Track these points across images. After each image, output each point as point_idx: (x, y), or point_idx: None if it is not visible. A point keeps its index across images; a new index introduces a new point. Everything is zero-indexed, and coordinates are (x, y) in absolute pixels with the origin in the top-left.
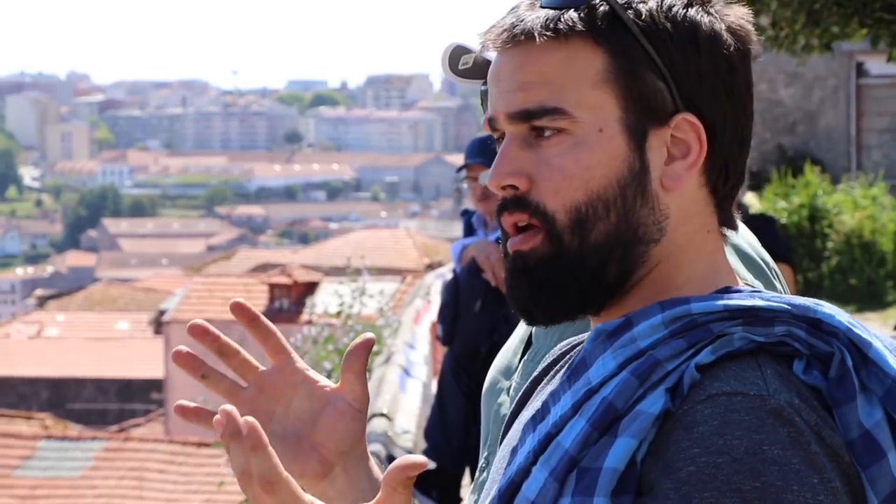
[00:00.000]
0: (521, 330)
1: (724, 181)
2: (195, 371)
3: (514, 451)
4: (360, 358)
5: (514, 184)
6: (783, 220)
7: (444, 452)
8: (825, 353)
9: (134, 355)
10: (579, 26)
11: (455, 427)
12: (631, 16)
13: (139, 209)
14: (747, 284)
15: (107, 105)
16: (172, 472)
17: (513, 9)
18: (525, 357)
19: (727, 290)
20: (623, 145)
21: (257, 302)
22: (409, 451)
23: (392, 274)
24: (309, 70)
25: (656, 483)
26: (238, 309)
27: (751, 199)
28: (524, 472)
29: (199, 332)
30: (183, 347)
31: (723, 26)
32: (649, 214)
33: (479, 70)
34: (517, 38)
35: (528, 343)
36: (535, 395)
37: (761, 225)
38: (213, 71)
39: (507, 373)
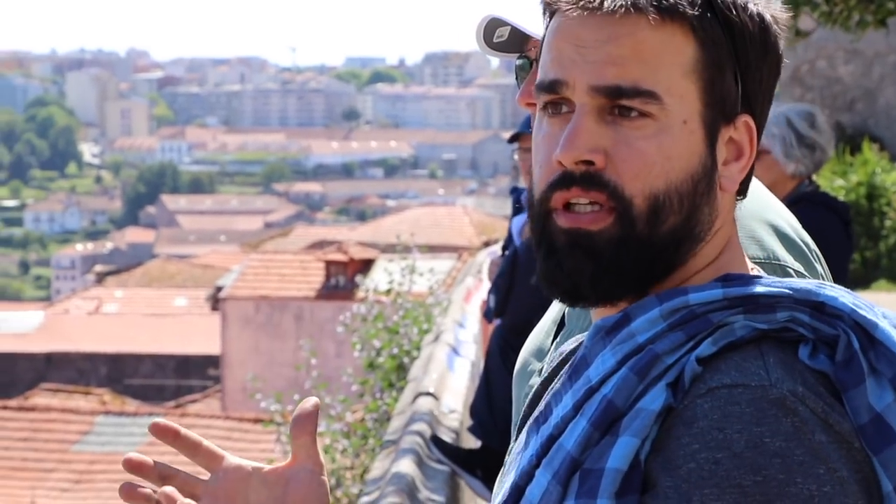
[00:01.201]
0: (554, 311)
1: (749, 177)
2: (151, 478)
3: (518, 455)
4: (311, 422)
5: (593, 159)
6: (840, 199)
7: (490, 430)
8: (831, 336)
9: (191, 331)
10: (686, 10)
11: (501, 405)
12: (723, 7)
13: (197, 186)
14: (781, 268)
15: (166, 82)
16: (228, 448)
17: None
18: (557, 339)
19: (727, 278)
20: (701, 141)
21: (313, 279)
22: (456, 431)
23: (448, 251)
24: (367, 47)
25: (657, 481)
26: (159, 430)
27: None
28: (528, 476)
29: (135, 467)
30: (128, 482)
31: (778, 29)
32: (709, 213)
33: (514, 43)
34: (621, 6)
35: (561, 325)
36: (543, 396)
37: (801, 203)
38: (271, 48)
39: (539, 355)
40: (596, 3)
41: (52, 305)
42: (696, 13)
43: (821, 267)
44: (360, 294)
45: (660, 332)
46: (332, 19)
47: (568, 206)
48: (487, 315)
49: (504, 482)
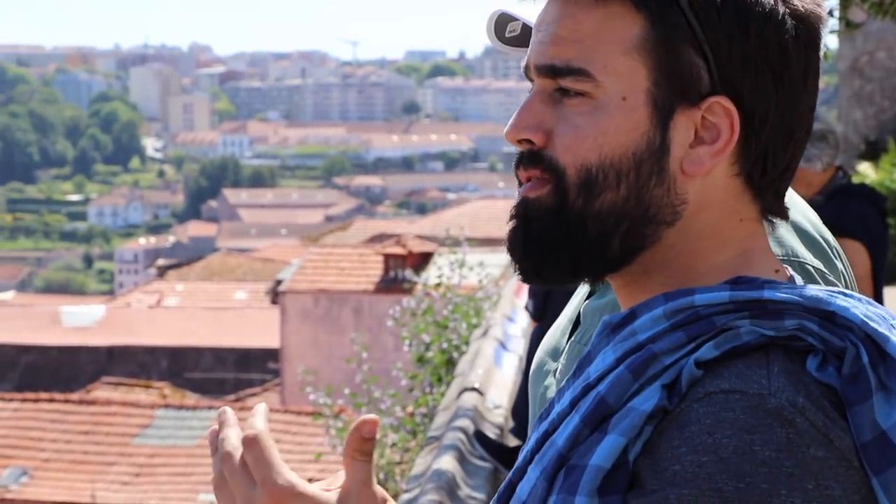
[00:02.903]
0: (570, 309)
1: (760, 173)
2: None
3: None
4: (369, 444)
5: (530, 138)
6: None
7: None
8: (839, 348)
9: (251, 325)
10: None
11: None
12: None
13: (259, 179)
14: (798, 266)
15: (227, 76)
16: (287, 442)
17: None
18: (572, 338)
19: (737, 281)
20: (645, 118)
21: (372, 272)
22: (500, 427)
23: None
24: (427, 40)
25: (644, 482)
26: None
27: (867, 170)
28: (520, 472)
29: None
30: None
31: (785, 10)
32: (664, 196)
33: (525, 38)
34: None
35: (577, 324)
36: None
37: (839, 195)
38: (332, 42)
39: (555, 354)
40: None
41: (114, 299)
42: None
43: (841, 264)
44: (419, 288)
45: (661, 331)
46: (392, 13)
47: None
48: (531, 314)
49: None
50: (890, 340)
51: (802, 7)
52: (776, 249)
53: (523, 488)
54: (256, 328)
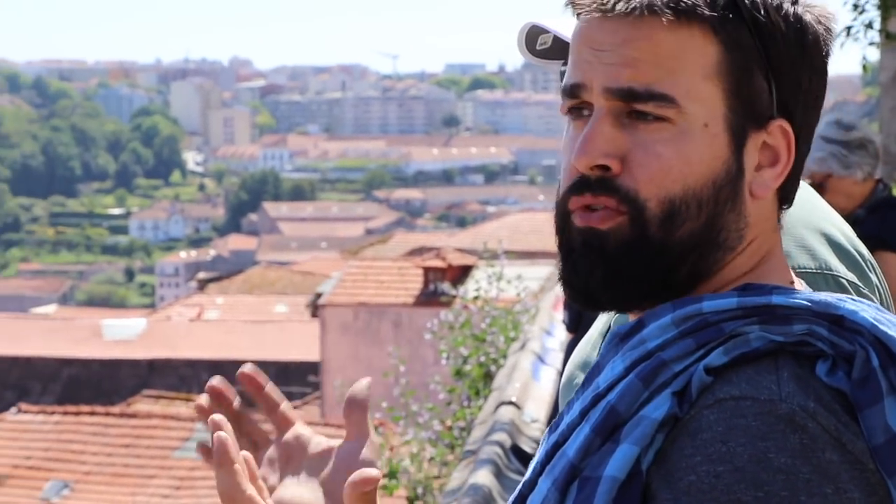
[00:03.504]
0: (601, 322)
1: (792, 186)
2: (224, 410)
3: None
4: (363, 401)
5: (608, 164)
6: None
7: None
8: (849, 352)
9: (291, 338)
10: (704, 11)
11: None
12: (750, 7)
13: (299, 193)
14: (830, 277)
15: (268, 90)
16: None
17: None
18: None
19: (745, 288)
20: (725, 145)
21: (412, 285)
22: (537, 441)
23: (548, 258)
24: (467, 54)
25: (657, 493)
26: (246, 378)
27: None
28: (530, 485)
29: (215, 395)
30: (204, 400)
31: (822, 29)
32: (735, 221)
33: (557, 51)
34: (634, 10)
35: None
36: None
37: (881, 208)
38: (371, 55)
39: (585, 367)
40: (609, 5)
41: (155, 312)
42: (718, 14)
43: (876, 277)
44: (457, 301)
45: (670, 339)
46: (432, 27)
47: (586, 208)
48: (566, 326)
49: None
50: None
51: (827, 23)
52: (809, 262)
53: (534, 500)
54: (296, 341)
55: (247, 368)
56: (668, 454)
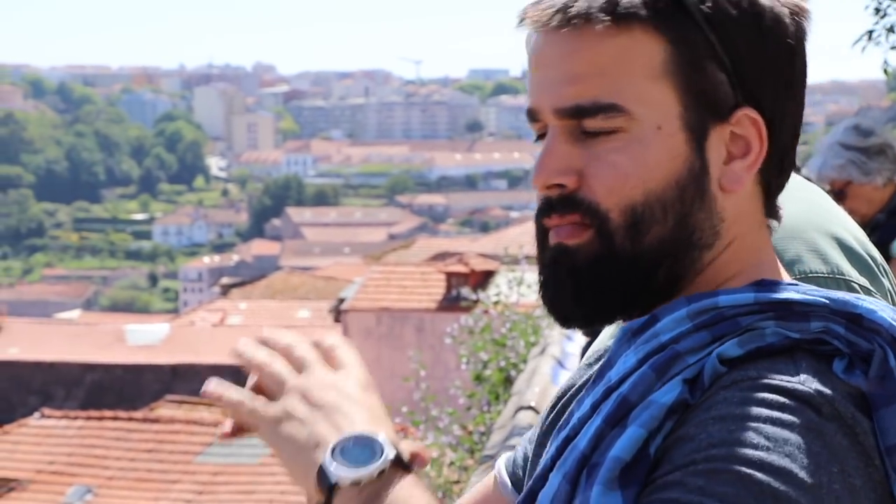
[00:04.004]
0: (613, 326)
1: (777, 176)
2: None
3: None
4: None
5: (563, 182)
6: None
7: None
8: (866, 351)
9: None
10: (641, 11)
11: None
12: (695, 1)
13: (322, 198)
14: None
15: (291, 95)
16: None
17: None
18: None
19: (761, 283)
20: (683, 144)
21: (434, 290)
22: None
23: None
24: (490, 59)
25: (665, 457)
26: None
27: None
28: (542, 480)
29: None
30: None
31: (785, 10)
32: (706, 218)
33: None
34: (571, 21)
35: None
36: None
37: None
38: (395, 61)
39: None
40: (546, 20)
41: (178, 318)
42: (659, 12)
43: (888, 282)
44: (481, 305)
45: (685, 331)
46: (455, 32)
47: (557, 226)
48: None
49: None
50: None
51: (794, 3)
52: (821, 267)
53: (546, 494)
54: None
55: (210, 386)
56: (679, 430)
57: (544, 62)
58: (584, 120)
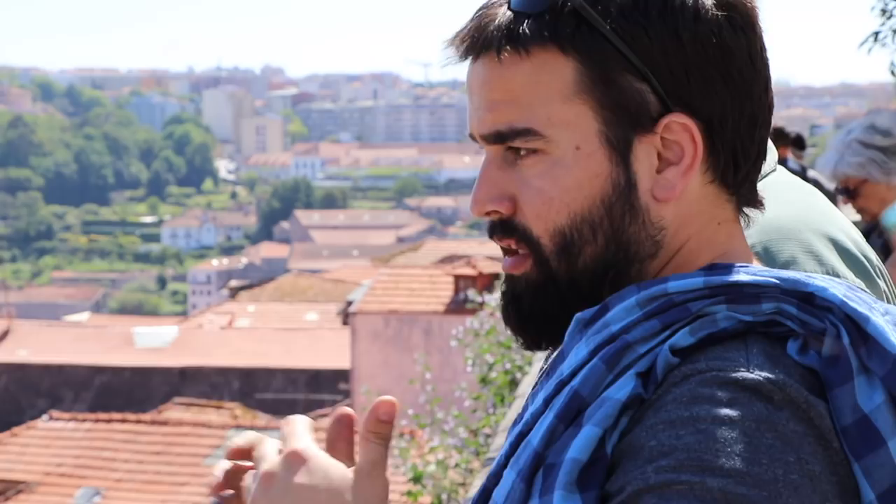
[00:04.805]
0: None
1: (733, 171)
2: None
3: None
4: (347, 428)
5: (497, 209)
6: None
7: None
8: (819, 330)
9: (322, 346)
10: (542, 34)
11: None
12: (597, 15)
13: (330, 201)
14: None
15: (300, 98)
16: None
17: (480, 8)
18: None
19: (711, 267)
20: (604, 161)
21: (442, 293)
22: None
23: None
24: None
25: (620, 465)
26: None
27: None
28: (495, 477)
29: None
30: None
31: (708, 3)
32: (640, 230)
33: None
34: (479, 52)
35: None
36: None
37: None
38: (403, 64)
39: None
40: (461, 51)
41: (187, 320)
42: (561, 34)
43: (884, 283)
44: (487, 308)
45: (635, 320)
46: None
47: (504, 252)
48: None
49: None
50: (870, 320)
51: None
52: (816, 268)
53: (499, 492)
54: (327, 349)
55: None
56: (634, 432)
57: (470, 90)
58: (506, 143)
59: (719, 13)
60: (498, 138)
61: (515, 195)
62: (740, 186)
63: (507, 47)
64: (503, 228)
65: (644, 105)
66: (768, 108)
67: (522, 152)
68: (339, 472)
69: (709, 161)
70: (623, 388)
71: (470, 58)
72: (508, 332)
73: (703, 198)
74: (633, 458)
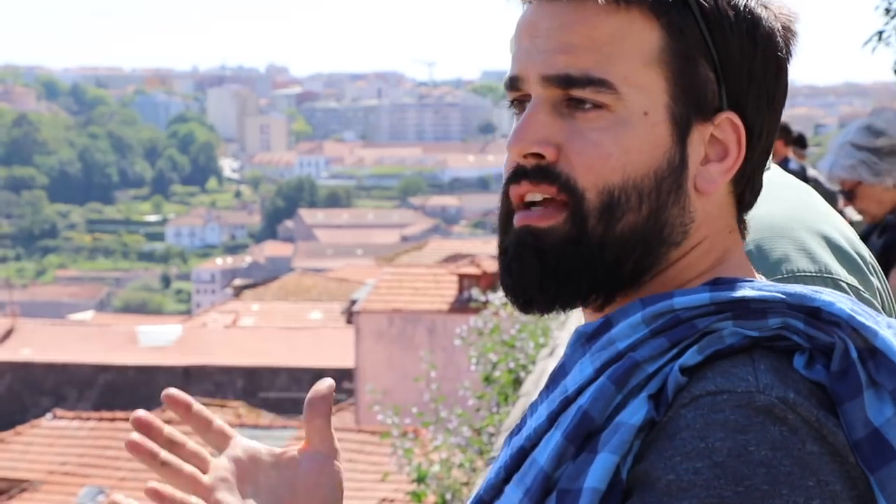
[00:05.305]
0: None
1: (750, 190)
2: (152, 461)
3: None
4: (325, 404)
5: (542, 152)
6: None
7: None
8: (827, 344)
9: (326, 345)
10: None
11: None
12: None
13: (335, 200)
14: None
15: (304, 97)
16: (362, 462)
17: None
18: None
19: (716, 282)
20: (666, 135)
21: (446, 292)
22: None
23: None
24: (504, 61)
25: (637, 495)
26: (171, 400)
27: None
28: (494, 490)
29: (143, 426)
30: (135, 437)
31: (778, 25)
32: (679, 215)
33: None
34: None
35: None
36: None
37: None
38: (407, 63)
39: None
40: None
41: (191, 319)
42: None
43: (878, 281)
44: (490, 307)
45: (641, 338)
46: (468, 34)
47: (526, 206)
48: None
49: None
50: (878, 335)
51: (787, 21)
52: (809, 266)
53: None
54: (331, 348)
55: (171, 391)
56: (647, 457)
57: (536, 32)
58: (572, 90)
59: (782, 37)
60: (565, 82)
61: (562, 144)
62: (747, 208)
63: None
64: (543, 174)
65: (709, 94)
66: (773, 142)
67: (587, 105)
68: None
69: (738, 171)
70: (637, 413)
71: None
72: (507, 292)
73: (725, 204)
74: (653, 492)
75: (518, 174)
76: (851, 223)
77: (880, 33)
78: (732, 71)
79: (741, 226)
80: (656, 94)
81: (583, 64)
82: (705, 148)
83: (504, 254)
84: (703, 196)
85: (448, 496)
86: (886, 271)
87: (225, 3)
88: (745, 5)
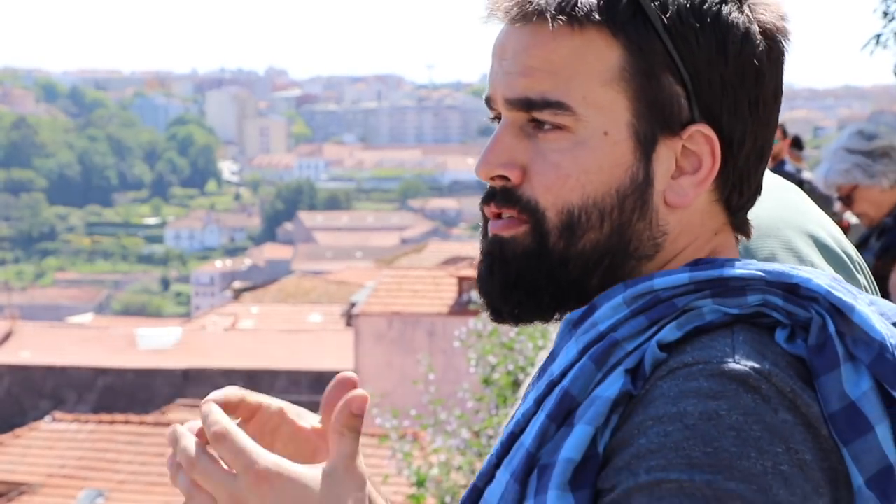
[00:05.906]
0: None
1: (738, 195)
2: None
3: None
4: (360, 414)
5: (506, 174)
6: None
7: None
8: (805, 319)
9: (325, 347)
10: (597, 15)
11: None
12: (656, 9)
13: (334, 202)
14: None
15: (303, 100)
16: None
17: None
18: None
19: (696, 263)
20: (628, 153)
21: (446, 295)
22: None
23: None
24: None
25: (610, 461)
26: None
27: None
28: (486, 477)
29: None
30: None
31: (756, 28)
32: (645, 230)
33: None
34: (528, 16)
35: None
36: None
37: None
38: (407, 65)
39: None
40: (510, 14)
41: (190, 322)
42: (615, 17)
43: (863, 277)
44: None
45: (622, 318)
46: (468, 36)
47: (496, 216)
48: None
49: None
50: (855, 309)
51: (771, 23)
52: (796, 264)
53: (493, 492)
54: (331, 350)
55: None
56: (623, 429)
57: (504, 55)
58: (532, 112)
59: (761, 40)
60: (525, 105)
61: (526, 165)
62: (738, 211)
63: (562, 18)
64: (506, 197)
65: (676, 109)
66: (772, 144)
67: (546, 126)
68: (309, 478)
69: (720, 179)
70: (612, 386)
71: (509, 20)
72: (482, 302)
73: (706, 213)
74: (624, 456)
75: (488, 195)
76: (850, 227)
77: (878, 37)
78: (702, 82)
79: (743, 226)
80: (618, 112)
81: (541, 87)
82: (679, 160)
83: (481, 263)
84: (675, 210)
85: (447, 499)
86: (886, 272)
87: (224, 5)
88: (715, 14)
